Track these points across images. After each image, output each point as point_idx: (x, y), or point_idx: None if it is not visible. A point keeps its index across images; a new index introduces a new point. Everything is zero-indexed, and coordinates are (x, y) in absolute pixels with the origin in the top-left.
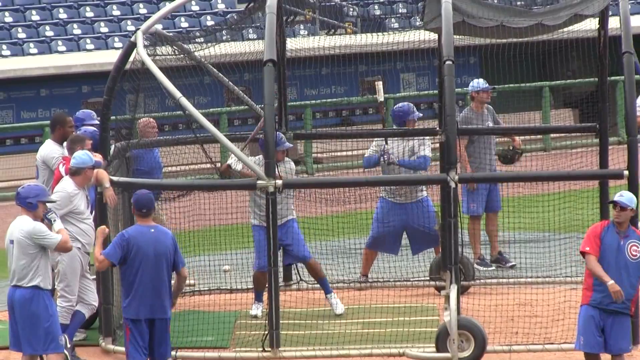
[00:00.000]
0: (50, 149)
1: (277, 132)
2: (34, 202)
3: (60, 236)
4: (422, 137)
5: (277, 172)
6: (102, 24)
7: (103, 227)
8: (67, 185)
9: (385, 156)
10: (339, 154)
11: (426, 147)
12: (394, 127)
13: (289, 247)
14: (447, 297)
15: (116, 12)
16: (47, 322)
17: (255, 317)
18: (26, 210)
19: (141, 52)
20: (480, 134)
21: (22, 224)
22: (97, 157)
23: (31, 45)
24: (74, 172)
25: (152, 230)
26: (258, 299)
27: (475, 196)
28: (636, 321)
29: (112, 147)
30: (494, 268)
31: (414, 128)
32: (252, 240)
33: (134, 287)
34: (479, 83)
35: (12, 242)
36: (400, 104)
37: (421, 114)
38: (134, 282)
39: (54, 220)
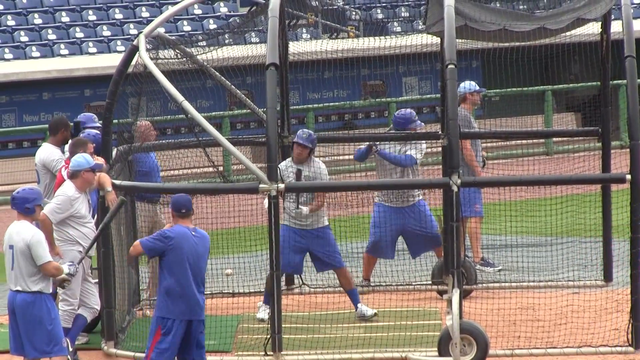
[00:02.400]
0: (49, 152)
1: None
2: (31, 207)
3: (50, 259)
4: (419, 142)
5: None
6: (104, 27)
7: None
8: (67, 188)
9: (374, 147)
10: (341, 157)
11: (415, 149)
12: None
13: (322, 254)
14: (450, 301)
15: (119, 16)
16: (50, 325)
17: (262, 320)
18: (23, 215)
19: (143, 56)
20: (482, 137)
21: (22, 231)
22: (100, 161)
23: (34, 48)
24: (71, 176)
25: (194, 232)
26: (266, 301)
27: (479, 198)
28: (637, 325)
29: (115, 151)
30: (500, 268)
31: (415, 132)
32: (254, 243)
33: (174, 287)
34: (472, 85)
35: (11, 247)
36: (402, 110)
37: (423, 124)
38: (174, 282)
39: (68, 270)
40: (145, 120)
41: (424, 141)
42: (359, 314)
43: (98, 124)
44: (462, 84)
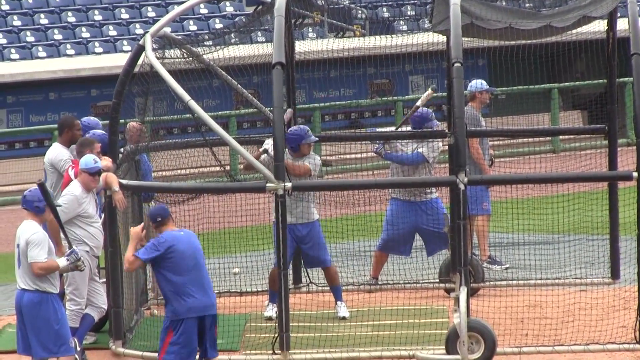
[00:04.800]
0: (57, 152)
1: (304, 126)
2: (41, 205)
3: (42, 259)
4: (434, 140)
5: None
6: (110, 27)
7: (138, 229)
8: (75, 188)
9: (377, 147)
10: (347, 156)
11: (427, 147)
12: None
13: (309, 250)
14: (457, 299)
15: (125, 16)
16: (57, 325)
17: (270, 318)
18: (33, 214)
19: (150, 55)
20: (489, 135)
21: (25, 231)
22: (106, 161)
23: (40, 48)
24: (78, 174)
25: (182, 232)
26: (272, 300)
27: (487, 196)
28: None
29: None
30: (507, 265)
31: (422, 130)
32: (261, 242)
33: (182, 287)
34: (481, 83)
35: (17, 245)
36: (420, 109)
37: (439, 123)
38: (180, 282)
39: (69, 260)
40: (136, 121)
41: (439, 139)
42: (336, 310)
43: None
44: (471, 83)
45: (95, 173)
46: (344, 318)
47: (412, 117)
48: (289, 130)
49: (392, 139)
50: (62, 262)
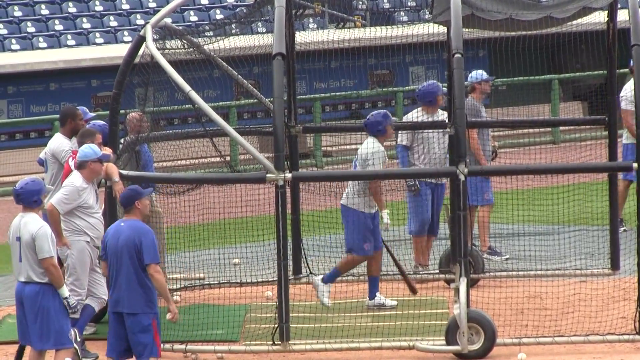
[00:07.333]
0: (59, 143)
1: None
2: (38, 199)
3: (53, 256)
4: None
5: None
6: (111, 17)
7: None
8: (75, 179)
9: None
10: (348, 147)
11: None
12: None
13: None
14: (457, 290)
15: (125, 6)
16: (57, 317)
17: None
18: (30, 208)
19: (150, 46)
20: (489, 126)
21: (30, 224)
22: (107, 151)
23: (40, 39)
24: (79, 166)
25: (122, 224)
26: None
27: (488, 187)
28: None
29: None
30: (507, 256)
31: (423, 121)
32: (262, 233)
33: (109, 279)
34: (480, 74)
35: (18, 239)
36: (425, 83)
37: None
38: (108, 274)
39: (69, 298)
40: (136, 111)
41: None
42: (376, 303)
43: (91, 115)
44: (471, 74)
45: (104, 159)
46: (351, 308)
47: (422, 93)
48: (373, 115)
49: (402, 129)
50: (64, 291)
